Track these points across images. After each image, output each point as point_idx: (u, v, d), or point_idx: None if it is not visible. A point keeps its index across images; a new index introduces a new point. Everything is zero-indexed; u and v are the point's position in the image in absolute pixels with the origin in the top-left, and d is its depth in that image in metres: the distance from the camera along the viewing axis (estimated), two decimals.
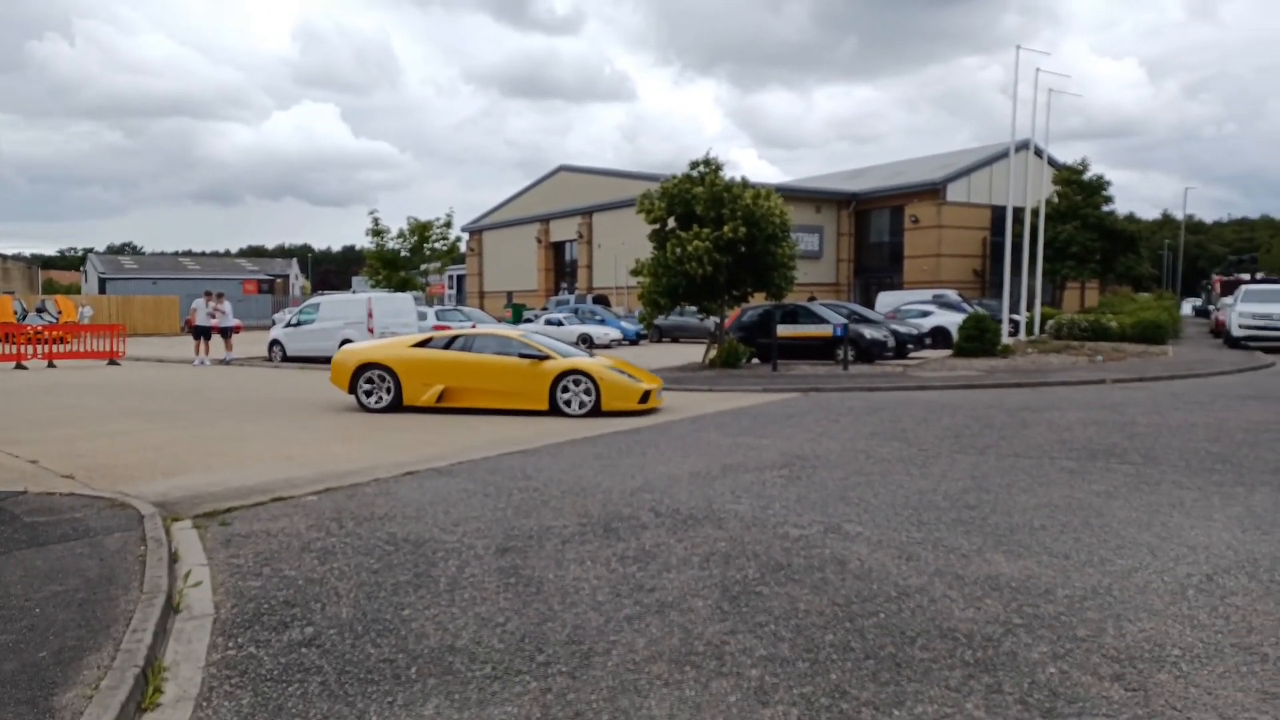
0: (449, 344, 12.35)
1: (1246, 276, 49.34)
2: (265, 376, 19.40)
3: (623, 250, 38.64)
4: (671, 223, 17.75)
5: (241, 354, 23.13)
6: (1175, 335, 27.73)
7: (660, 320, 25.16)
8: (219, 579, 4.84)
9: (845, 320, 19.38)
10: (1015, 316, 25.60)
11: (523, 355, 11.86)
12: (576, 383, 11.52)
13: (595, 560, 5.09)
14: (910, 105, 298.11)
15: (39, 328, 23.67)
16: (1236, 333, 23.74)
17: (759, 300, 20.55)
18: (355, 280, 61.59)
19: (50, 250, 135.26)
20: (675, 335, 30.89)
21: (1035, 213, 27.36)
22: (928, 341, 23.38)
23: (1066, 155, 46.06)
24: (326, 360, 21.54)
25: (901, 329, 21.82)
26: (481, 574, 4.87)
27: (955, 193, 43.24)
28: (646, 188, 19.41)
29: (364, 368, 12.09)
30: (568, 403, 11.51)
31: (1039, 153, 32.03)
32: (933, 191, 42.86)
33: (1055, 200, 37.60)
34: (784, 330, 18.68)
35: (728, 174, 17.86)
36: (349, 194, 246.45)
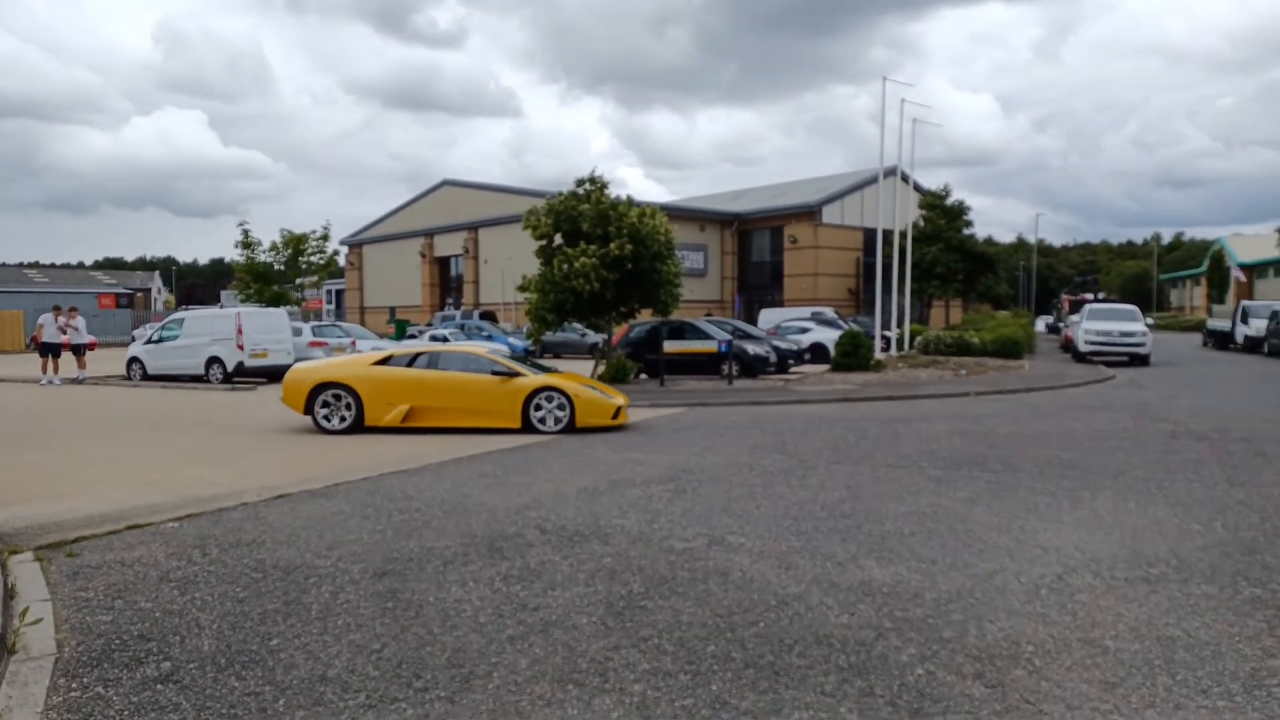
0: (412, 361, 11.89)
1: (1091, 296, 53.48)
2: (123, 396, 18.14)
3: (509, 266, 38.28)
4: (558, 239, 17.74)
5: (97, 372, 21.55)
6: (1030, 350, 29.68)
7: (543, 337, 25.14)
8: (63, 615, 4.47)
9: (730, 336, 19.82)
10: (887, 333, 26.83)
11: (493, 373, 11.60)
12: (550, 399, 11.35)
13: (478, 581, 4.99)
14: (788, 130, 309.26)
15: None
16: (1083, 348, 25.63)
17: (646, 316, 20.76)
18: (224, 295, 58.50)
19: None
20: (557, 351, 30.82)
21: (903, 235, 28.82)
22: (807, 357, 24.18)
23: (931, 181, 48.76)
24: (191, 378, 20.51)
25: (783, 345, 22.49)
26: (357, 599, 4.69)
27: (830, 215, 45.06)
28: (533, 204, 19.35)
29: (321, 387, 11.44)
30: (542, 420, 11.30)
31: (905, 178, 33.82)
32: (810, 213, 44.53)
33: (921, 223, 39.71)
34: (671, 346, 18.93)
35: (614, 192, 18.02)
36: (218, 205, 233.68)
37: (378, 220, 57.23)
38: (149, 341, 22.08)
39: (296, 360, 21.33)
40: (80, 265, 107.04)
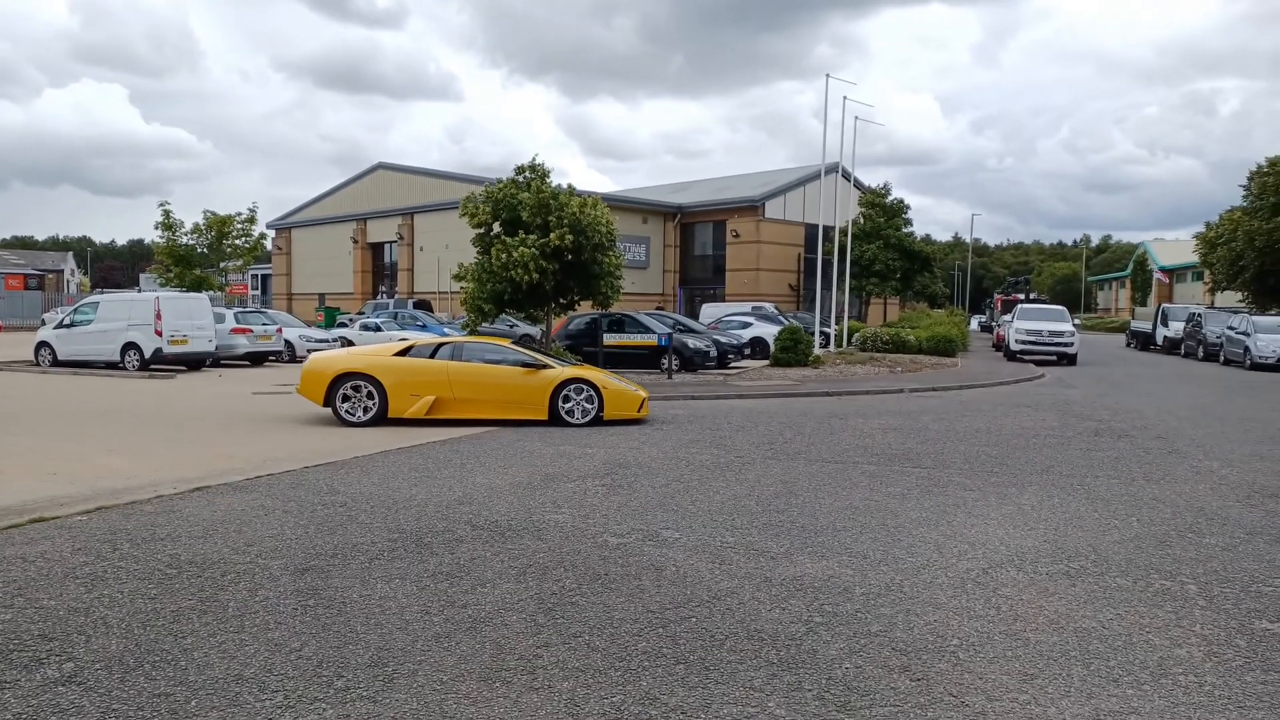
0: (434, 352, 11.67)
1: (1022, 296, 55.09)
2: (31, 383, 17.31)
3: (446, 254, 37.70)
4: (497, 228, 17.48)
5: (1, 357, 20.55)
6: (964, 348, 30.45)
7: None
8: None
9: (670, 330, 19.84)
10: (826, 329, 27.21)
11: (521, 364, 11.53)
12: (578, 391, 11.33)
13: (405, 578, 4.87)
14: (732, 124, 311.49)
15: None
16: (1014, 347, 26.39)
17: (586, 309, 20.65)
18: (143, 278, 56.38)
19: None
20: None
21: (844, 232, 29.26)
22: (747, 352, 24.36)
23: (872, 179, 49.72)
24: (105, 365, 19.69)
25: (723, 339, 22.62)
26: (277, 597, 4.53)
27: (773, 210, 45.48)
28: (471, 190, 19.03)
29: (343, 377, 11.06)
30: (569, 412, 11.26)
31: (847, 176, 34.32)
32: (753, 208, 44.87)
33: (861, 221, 40.37)
34: (611, 339, 18.86)
35: (555, 181, 17.83)
36: (139, 184, 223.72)
37: (308, 203, 55.73)
38: (60, 326, 21.11)
39: (218, 347, 20.76)
40: None
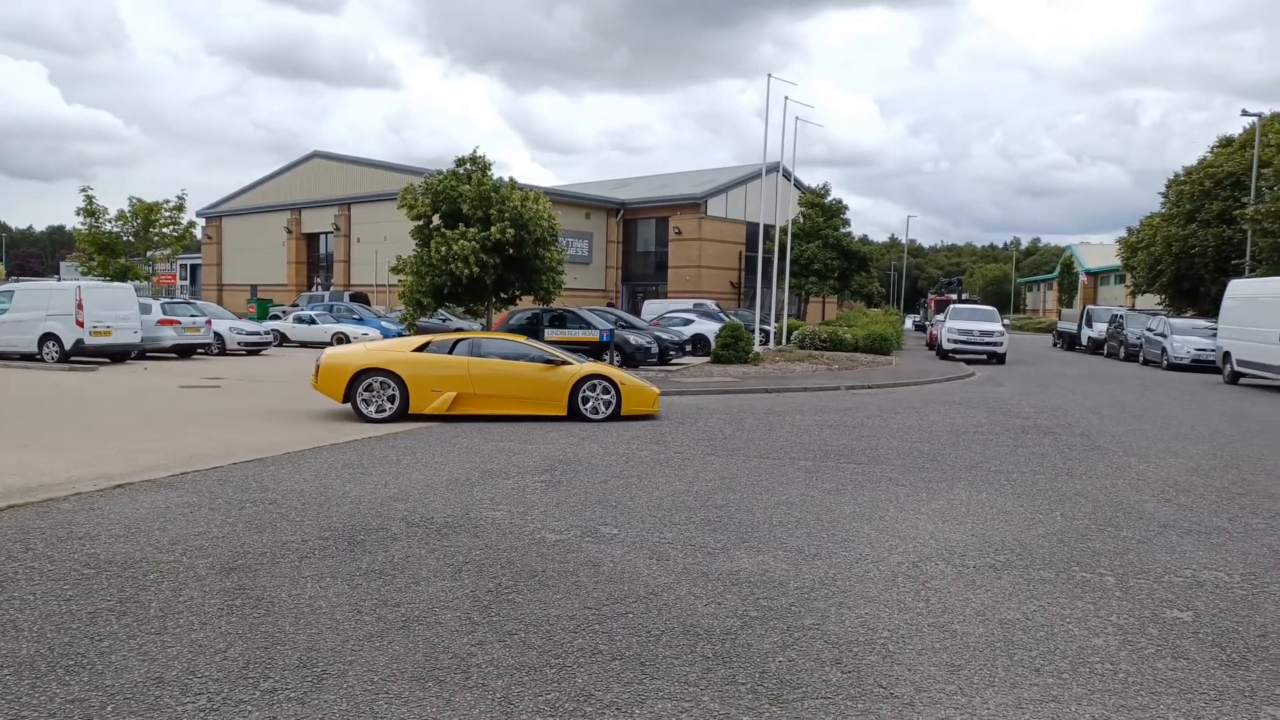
0: (453, 348, 11.58)
1: (955, 297, 56.56)
2: None
3: (384, 246, 37.01)
4: (436, 220, 17.26)
5: None
6: (899, 347, 31.13)
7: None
8: None
9: (612, 326, 19.82)
10: (766, 327, 27.53)
11: (540, 360, 11.57)
12: (598, 387, 11.47)
13: (336, 576, 4.76)
14: (676, 121, 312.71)
15: None
16: (946, 346, 27.08)
17: (527, 304, 20.51)
18: (64, 266, 54.06)
19: None
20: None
21: (784, 231, 29.62)
22: (688, 348, 24.50)
23: (813, 179, 50.45)
24: (20, 357, 18.82)
25: (665, 336, 22.69)
26: (201, 597, 4.39)
27: (715, 208, 45.84)
28: (410, 181, 18.74)
29: (364, 373, 10.91)
30: (585, 403, 11.38)
31: (788, 175, 34.75)
32: (695, 206, 45.15)
33: (801, 221, 40.95)
34: (552, 334, 18.72)
35: (496, 174, 17.67)
36: (58, 167, 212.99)
37: (240, 191, 54.16)
38: None
39: (143, 339, 20.05)
40: None
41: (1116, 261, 50.67)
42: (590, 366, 11.83)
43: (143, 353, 20.70)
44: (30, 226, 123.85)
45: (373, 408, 10.89)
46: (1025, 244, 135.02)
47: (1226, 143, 37.95)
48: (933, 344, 31.87)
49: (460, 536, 5.60)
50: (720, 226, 45.58)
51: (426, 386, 10.98)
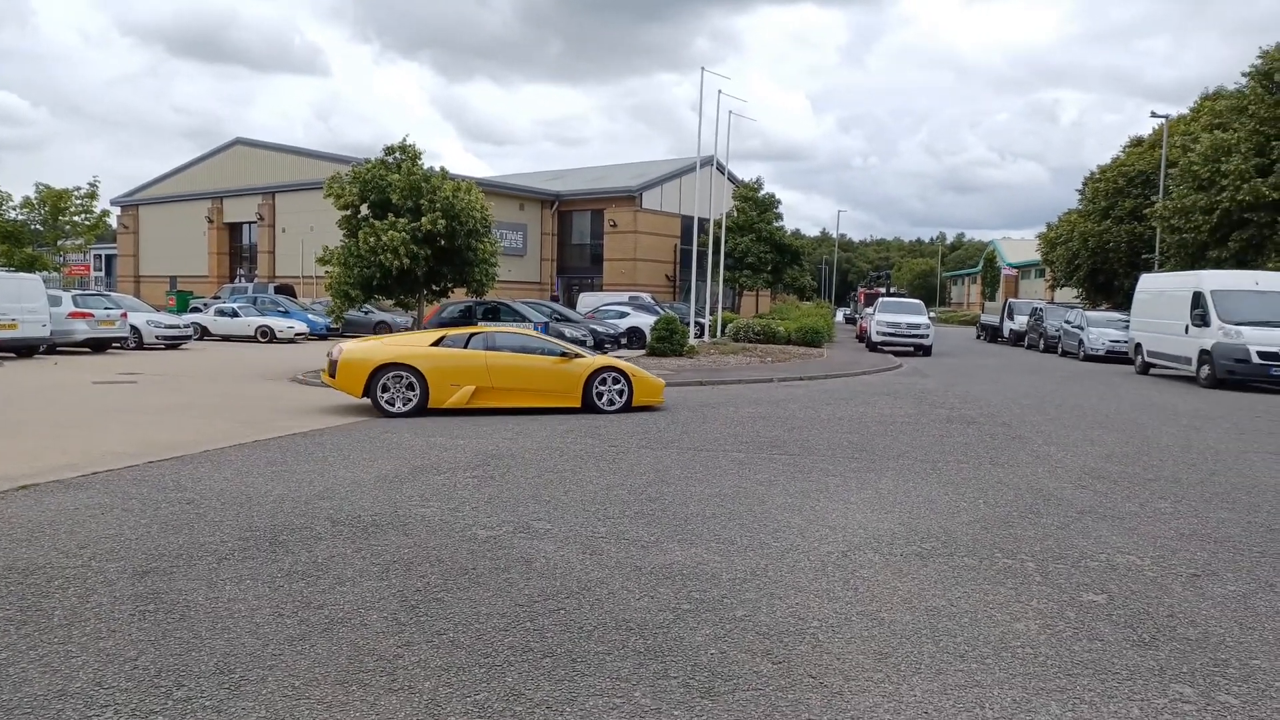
0: (467, 342, 11.61)
1: (884, 290, 57.85)
2: None
3: (311, 236, 36.00)
4: (364, 210, 16.83)
5: None
6: (830, 339, 31.68)
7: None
8: None
9: (547, 319, 19.69)
10: (701, 320, 27.69)
11: (555, 353, 11.82)
12: (612, 380, 11.72)
13: (257, 578, 4.60)
14: (611, 113, 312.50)
15: None
16: (875, 338, 27.67)
17: (460, 296, 20.21)
18: None
19: None
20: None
21: (718, 224, 29.82)
22: (624, 341, 24.52)
23: (748, 173, 50.89)
24: None
25: (600, 329, 22.68)
26: (111, 603, 4.18)
27: (650, 200, 45.88)
28: (337, 170, 18.23)
29: (384, 368, 10.89)
30: (599, 397, 11.62)
31: (721, 169, 34.98)
32: (630, 198, 45.12)
33: (735, 214, 41.30)
34: (485, 327, 18.53)
35: (427, 163, 17.32)
36: None
37: (158, 179, 52.00)
38: None
39: (53, 333, 19.11)
40: None
41: (1036, 256, 52.52)
42: (602, 359, 12.20)
43: (53, 347, 19.73)
44: None
45: (394, 402, 10.91)
46: (950, 239, 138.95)
47: (1138, 143, 39.66)
48: (863, 336, 32.51)
49: (388, 535, 5.47)
50: (656, 219, 45.66)
51: (445, 380, 11.07)
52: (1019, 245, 76.35)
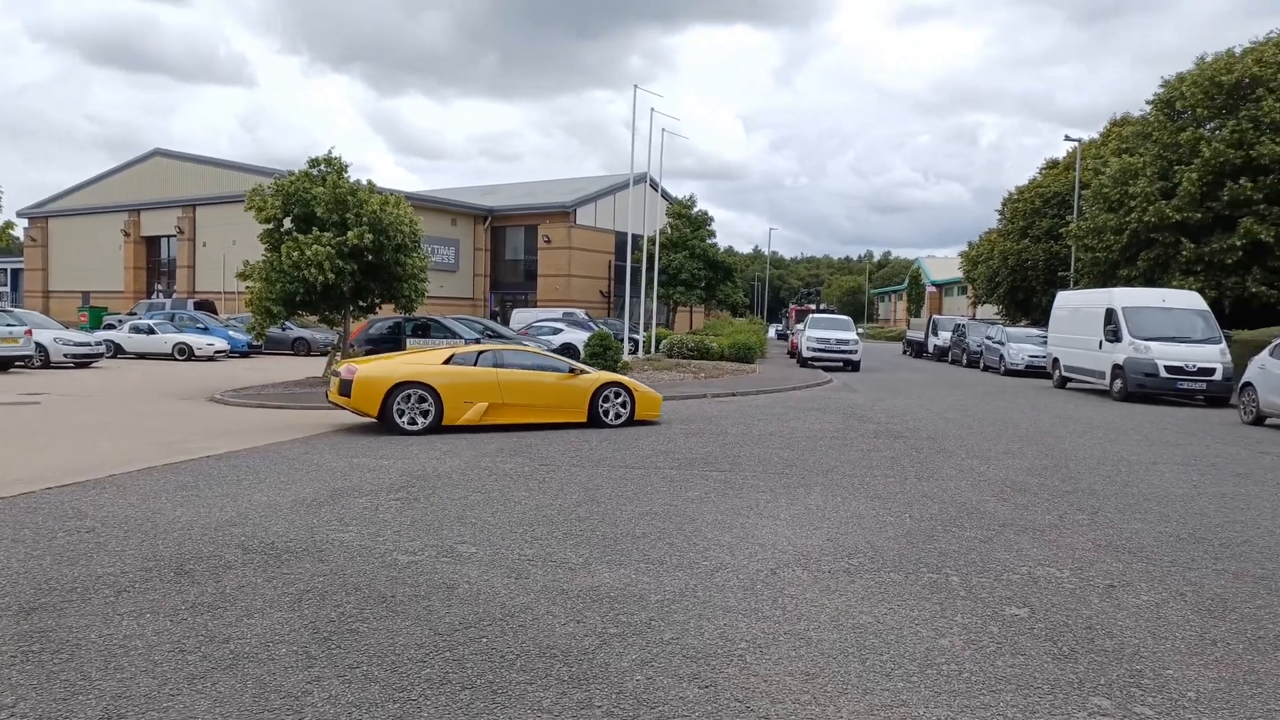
0: (476, 359, 11.74)
1: (814, 307, 58.87)
2: None
3: (233, 250, 34.88)
4: (288, 223, 16.35)
5: None
6: (762, 355, 32.01)
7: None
8: None
9: (479, 335, 19.41)
10: (635, 336, 27.70)
11: (561, 370, 12.12)
12: (615, 394, 12.05)
13: (157, 612, 4.33)
14: (546, 129, 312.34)
15: None
16: (805, 354, 28.07)
17: (389, 312, 19.79)
18: None
19: None
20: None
21: (652, 241, 29.94)
22: None
23: (682, 191, 51.36)
24: None
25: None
26: None
27: (584, 217, 45.85)
28: (260, 182, 17.70)
29: (399, 386, 10.92)
30: (606, 413, 11.92)
31: (655, 186, 35.20)
32: (564, 214, 45.01)
33: (669, 231, 41.58)
34: (414, 344, 18.18)
35: (355, 176, 16.94)
36: None
37: (71, 190, 49.84)
38: None
39: None
40: None
41: (959, 274, 54.19)
42: (607, 375, 12.50)
43: None
44: None
45: (409, 420, 10.94)
46: (878, 257, 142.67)
47: (1053, 165, 41.34)
48: (794, 352, 32.95)
49: (303, 562, 5.23)
50: (590, 235, 45.63)
51: (459, 398, 11.17)
52: (943, 263, 78.73)
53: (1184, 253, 25.39)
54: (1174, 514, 7.19)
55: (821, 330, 28.68)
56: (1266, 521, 7.00)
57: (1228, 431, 13.35)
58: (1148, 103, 28.88)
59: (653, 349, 28.75)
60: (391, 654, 3.88)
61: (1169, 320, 18.99)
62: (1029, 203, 39.22)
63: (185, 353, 25.60)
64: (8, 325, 20.12)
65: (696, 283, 41.70)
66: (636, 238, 28.09)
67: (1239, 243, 24.25)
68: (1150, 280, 26.13)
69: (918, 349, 40.30)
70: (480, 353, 11.99)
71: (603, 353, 21.58)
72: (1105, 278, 28.69)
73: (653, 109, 28.20)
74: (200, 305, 34.20)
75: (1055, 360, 22.93)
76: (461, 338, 18.96)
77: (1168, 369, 18.00)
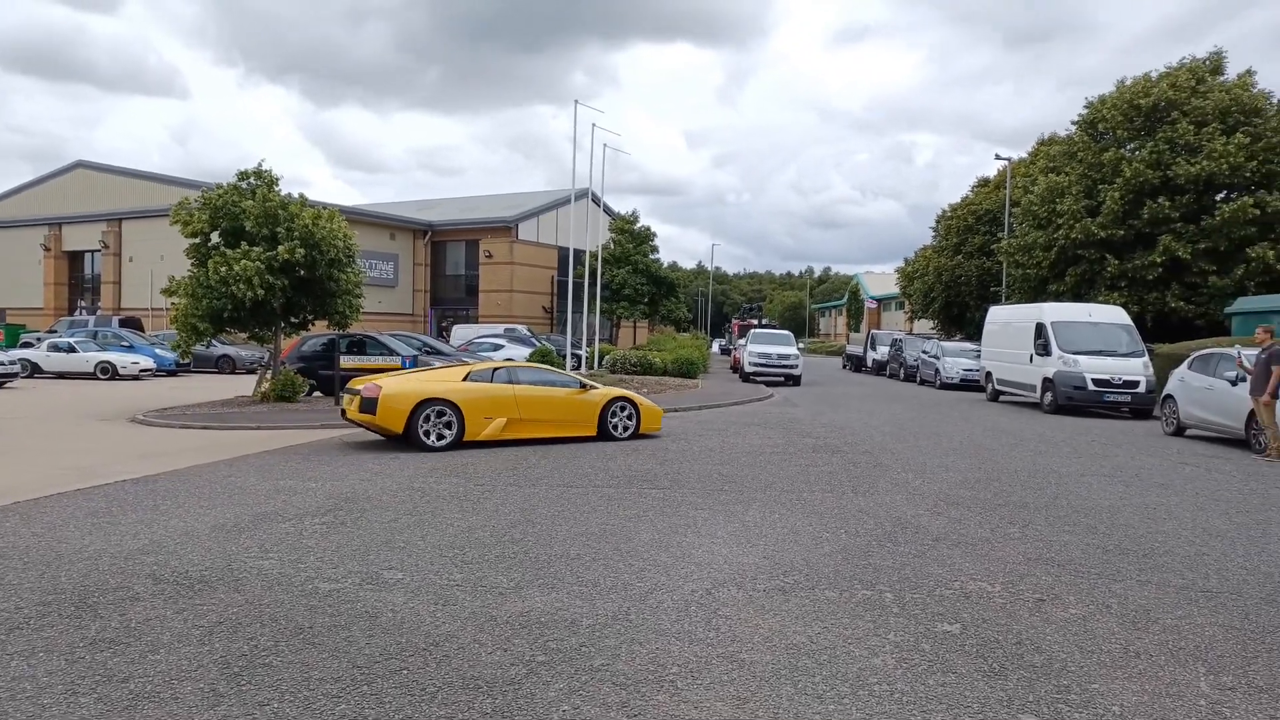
0: (491, 375, 12.01)
1: (756, 322, 59.46)
2: None
3: (160, 265, 33.76)
4: (215, 238, 15.85)
5: None
6: (705, 370, 32.14)
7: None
8: None
9: (416, 352, 19.05)
10: (578, 351, 27.57)
11: (573, 385, 12.55)
12: (622, 409, 12.52)
13: (53, 650, 4.05)
14: (488, 143, 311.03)
15: None
16: (748, 369, 28.24)
17: (322, 328, 19.31)
18: None
19: None
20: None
21: (595, 256, 29.89)
22: None
23: (625, 207, 51.44)
24: None
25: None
26: None
27: (526, 232, 45.59)
28: (189, 195, 17.14)
29: (424, 404, 11.15)
30: (614, 427, 12.37)
31: (597, 201, 35.19)
32: (506, 229, 44.70)
33: (612, 246, 41.59)
34: (349, 362, 17.70)
35: (288, 190, 16.52)
36: None
37: None
38: None
39: None
40: None
41: (896, 289, 55.31)
42: (615, 390, 12.92)
43: None
44: None
45: (436, 436, 11.14)
46: (818, 273, 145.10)
47: (984, 183, 42.54)
48: (736, 367, 33.15)
49: (217, 592, 4.98)
50: (532, 250, 45.38)
51: (480, 414, 11.45)
52: (881, 279, 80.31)
53: (1109, 269, 26.33)
54: (1100, 526, 7.33)
55: (763, 345, 28.90)
56: (1186, 532, 7.18)
57: (1151, 443, 13.77)
58: (1073, 123, 29.98)
59: (596, 364, 28.63)
60: (305, 689, 3.69)
61: (1096, 335, 19.60)
62: (962, 220, 40.25)
63: (108, 372, 24.62)
64: None
65: (640, 298, 41.75)
66: (579, 253, 28.03)
67: (1159, 259, 25.25)
68: (1078, 295, 26.99)
69: (857, 363, 40.91)
70: (495, 369, 12.35)
71: None
72: (1035, 293, 29.56)
73: (594, 124, 28.17)
74: (126, 323, 33.01)
75: (988, 374, 23.47)
76: (399, 354, 18.57)
77: (1095, 382, 18.55)
